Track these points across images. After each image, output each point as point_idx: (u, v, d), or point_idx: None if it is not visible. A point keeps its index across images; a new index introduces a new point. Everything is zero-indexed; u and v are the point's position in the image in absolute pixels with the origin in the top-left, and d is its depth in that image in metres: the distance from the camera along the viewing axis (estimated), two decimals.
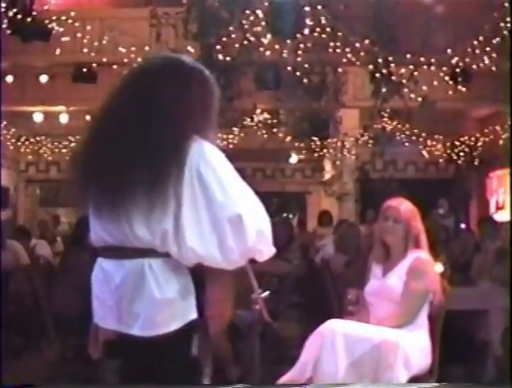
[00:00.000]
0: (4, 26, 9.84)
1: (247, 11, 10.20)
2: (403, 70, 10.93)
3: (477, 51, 10.61)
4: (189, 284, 2.73)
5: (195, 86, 2.81)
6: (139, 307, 2.67)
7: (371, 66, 10.85)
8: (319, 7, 10.23)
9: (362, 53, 10.70)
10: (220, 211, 2.61)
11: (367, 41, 10.52)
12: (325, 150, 14.99)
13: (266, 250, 2.74)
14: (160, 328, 2.66)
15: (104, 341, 2.84)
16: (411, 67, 10.89)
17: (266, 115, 14.00)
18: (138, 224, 2.66)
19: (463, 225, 14.08)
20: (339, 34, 10.47)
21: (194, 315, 2.72)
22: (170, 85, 2.76)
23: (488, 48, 10.54)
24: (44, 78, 11.85)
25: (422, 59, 10.74)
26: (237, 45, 10.38)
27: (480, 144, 15.22)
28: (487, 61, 10.62)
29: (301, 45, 10.51)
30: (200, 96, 2.81)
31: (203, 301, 2.75)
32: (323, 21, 10.32)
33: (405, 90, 11.03)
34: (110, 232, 2.74)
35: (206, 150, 2.70)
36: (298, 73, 10.97)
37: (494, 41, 10.39)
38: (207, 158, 2.68)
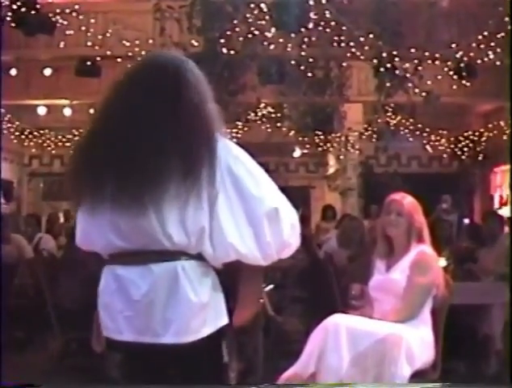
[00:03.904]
0: (8, 19, 9.83)
1: (251, 5, 10.18)
2: (407, 65, 10.89)
3: (482, 46, 10.57)
4: (218, 286, 2.64)
5: (206, 83, 2.79)
6: (171, 313, 2.53)
7: (375, 61, 10.83)
8: (323, 1, 10.20)
9: (366, 48, 10.67)
10: (257, 206, 2.56)
11: (371, 36, 10.48)
12: (328, 145, 15.01)
13: (295, 243, 2.69)
14: (194, 334, 2.55)
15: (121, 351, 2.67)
16: (415, 62, 10.86)
17: (270, 109, 14.00)
18: (172, 223, 2.52)
19: (466, 220, 14.06)
20: (343, 28, 10.43)
21: (225, 320, 2.63)
22: (193, 82, 2.71)
23: (492, 43, 10.51)
24: (47, 72, 11.85)
25: (427, 54, 10.71)
26: (241, 39, 10.35)
27: (484, 139, 15.23)
28: (491, 56, 10.59)
29: (305, 39, 10.49)
30: (211, 92, 2.78)
31: (231, 305, 2.66)
32: (327, 15, 10.29)
33: (409, 84, 10.99)
34: (128, 236, 2.57)
35: (231, 147, 2.67)
36: (302, 68, 10.95)
37: (499, 36, 10.36)
38: (235, 154, 2.65)
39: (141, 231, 2.54)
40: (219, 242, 2.55)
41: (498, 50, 10.49)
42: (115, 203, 2.55)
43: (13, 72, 11.43)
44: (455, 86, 11.26)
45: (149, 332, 2.56)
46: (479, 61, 10.80)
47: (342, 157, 13.75)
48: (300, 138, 15.20)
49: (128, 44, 10.80)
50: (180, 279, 2.54)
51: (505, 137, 13.67)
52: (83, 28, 10.95)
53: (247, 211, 2.57)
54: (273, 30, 10.31)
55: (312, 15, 10.26)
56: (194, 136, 2.58)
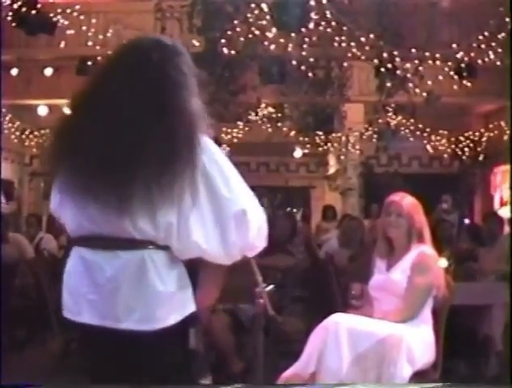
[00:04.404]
0: (9, 18, 9.83)
1: (252, 5, 10.18)
2: (408, 65, 10.90)
3: (483, 46, 10.57)
4: (186, 277, 2.69)
5: (192, 75, 2.74)
6: (136, 300, 2.58)
7: (376, 61, 10.83)
8: (324, 1, 10.20)
9: (367, 48, 10.67)
10: (225, 206, 2.60)
11: (372, 36, 10.49)
12: (329, 145, 15.00)
13: (261, 245, 2.73)
14: (158, 322, 2.59)
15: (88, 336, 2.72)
16: (416, 62, 10.87)
17: (270, 109, 14.00)
18: (141, 216, 2.55)
19: (467, 221, 14.06)
20: (344, 28, 10.44)
21: (192, 308, 2.68)
22: (180, 74, 2.68)
23: (493, 43, 10.51)
24: (48, 71, 11.86)
25: (427, 54, 10.71)
26: (241, 39, 10.36)
27: (484, 139, 15.22)
28: (492, 56, 10.59)
29: (306, 39, 10.49)
30: (193, 82, 2.72)
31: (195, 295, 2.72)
32: (328, 15, 10.29)
33: (410, 84, 11.01)
34: (99, 222, 2.60)
35: (208, 145, 2.66)
36: (303, 68, 10.96)
37: (500, 36, 10.36)
38: (211, 154, 2.65)
39: (111, 219, 2.57)
40: (184, 239, 2.59)
41: (499, 50, 10.49)
42: (87, 190, 2.58)
43: (14, 71, 11.44)
44: (455, 87, 11.25)
45: (111, 317, 2.59)
46: (479, 62, 10.79)
47: (342, 157, 13.75)
48: (301, 138, 15.20)
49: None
50: (147, 267, 2.58)
51: (505, 138, 13.66)
52: (84, 28, 10.95)
53: (215, 210, 2.60)
54: (274, 30, 10.32)
55: (312, 15, 10.26)
56: (174, 132, 2.58)
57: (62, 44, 10.86)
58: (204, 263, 2.68)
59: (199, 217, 2.59)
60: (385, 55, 10.68)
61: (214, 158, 2.65)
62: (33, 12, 9.91)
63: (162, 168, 2.53)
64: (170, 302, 2.61)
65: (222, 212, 2.60)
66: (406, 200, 4.51)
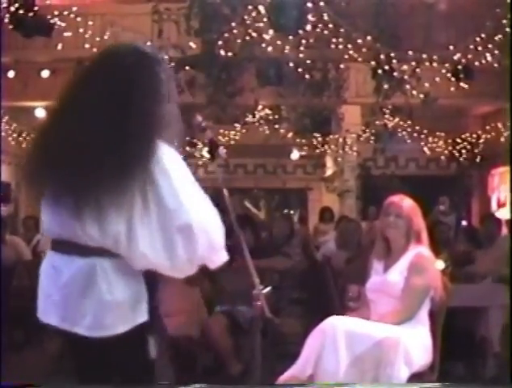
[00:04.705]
0: (6, 21, 9.82)
1: (249, 7, 10.19)
2: (405, 67, 10.90)
3: (479, 48, 10.58)
4: (141, 286, 2.67)
5: (162, 79, 2.72)
6: (86, 307, 2.60)
7: (373, 63, 10.83)
8: (321, 3, 10.21)
9: (364, 50, 10.68)
10: (170, 219, 2.56)
11: (369, 37, 10.50)
12: (326, 147, 14.98)
13: (216, 259, 2.71)
14: (106, 330, 2.60)
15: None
16: (413, 64, 10.87)
17: (267, 111, 13.98)
18: (90, 224, 2.58)
19: (464, 223, 14.07)
20: (341, 30, 10.44)
21: (143, 318, 2.66)
22: (145, 80, 2.67)
23: (490, 45, 10.51)
24: (45, 74, 11.84)
25: (424, 56, 10.72)
26: (238, 41, 10.36)
27: (481, 141, 15.20)
28: (489, 58, 10.59)
29: (303, 41, 10.49)
30: (166, 90, 2.73)
31: (157, 304, 2.72)
32: (325, 17, 10.30)
33: (407, 86, 11.01)
34: (63, 225, 2.66)
35: (162, 155, 2.62)
36: (300, 70, 10.95)
37: (496, 38, 10.37)
38: (162, 164, 2.60)
39: (70, 224, 2.62)
40: (133, 250, 2.58)
41: (496, 52, 10.50)
42: (54, 195, 2.65)
43: (11, 74, 11.43)
44: (452, 88, 11.25)
45: (68, 320, 2.64)
46: (476, 63, 10.79)
47: (339, 159, 13.73)
48: (298, 140, 15.18)
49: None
50: (97, 275, 2.60)
51: (502, 139, 13.67)
52: (81, 30, 10.94)
53: (162, 223, 2.57)
54: (271, 32, 10.33)
55: (309, 17, 10.27)
56: (129, 139, 2.57)
57: (59, 47, 10.84)
58: (161, 275, 2.68)
59: (148, 229, 2.57)
60: (382, 57, 10.68)
61: (165, 168, 2.60)
62: (30, 14, 9.91)
63: (112, 175, 2.54)
64: (118, 311, 2.61)
65: (168, 225, 2.56)
66: (406, 202, 4.52)
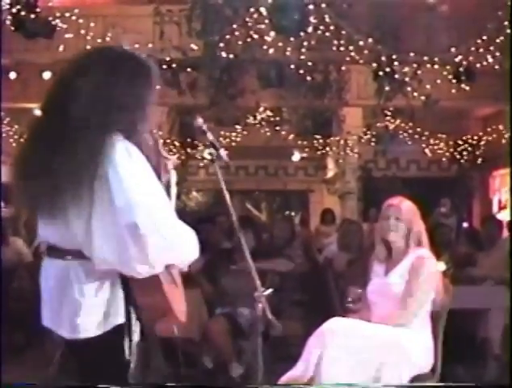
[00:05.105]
0: (8, 22, 9.83)
1: (251, 9, 10.19)
2: (406, 69, 10.91)
3: (481, 50, 10.58)
4: (116, 288, 2.65)
5: (120, 75, 2.70)
6: (65, 309, 2.63)
7: (374, 65, 10.84)
8: (323, 5, 10.22)
9: (365, 52, 10.68)
10: (119, 217, 2.51)
11: (370, 40, 10.50)
12: (327, 148, 15.00)
13: (178, 257, 2.69)
14: (83, 332, 2.62)
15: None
16: (414, 66, 10.88)
17: (269, 113, 14.00)
18: (59, 226, 2.62)
19: (465, 224, 14.06)
20: (343, 32, 10.45)
21: (121, 320, 2.65)
22: (91, 75, 2.66)
23: (491, 47, 10.52)
24: (47, 75, 11.82)
25: (426, 58, 10.72)
26: (240, 43, 10.36)
27: (483, 143, 15.20)
28: (490, 60, 10.59)
29: (305, 43, 10.49)
30: (128, 87, 2.69)
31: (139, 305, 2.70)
32: (327, 19, 10.30)
33: (409, 88, 11.02)
34: (48, 231, 2.71)
35: (116, 152, 2.57)
36: (301, 71, 10.96)
37: (498, 40, 10.37)
38: (115, 161, 2.55)
39: (51, 229, 2.68)
40: (91, 251, 2.57)
41: (497, 54, 10.50)
42: (35, 199, 2.66)
43: (12, 75, 11.43)
44: (454, 90, 11.25)
45: (56, 322, 2.69)
46: (478, 65, 10.80)
47: (340, 160, 13.73)
48: (299, 142, 15.21)
49: (127, 47, 10.78)
50: (70, 277, 2.62)
51: (503, 141, 13.67)
52: (83, 32, 10.95)
53: (113, 222, 2.53)
54: (272, 34, 10.33)
55: (311, 19, 10.27)
56: (82, 139, 2.56)
57: (61, 48, 10.84)
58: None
59: (103, 228, 2.54)
60: (383, 59, 10.69)
61: (117, 165, 2.55)
62: (32, 16, 9.92)
63: (67, 174, 2.54)
64: (91, 313, 2.61)
65: (117, 224, 2.51)
66: (405, 204, 4.51)
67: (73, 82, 2.66)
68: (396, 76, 10.86)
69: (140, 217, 2.49)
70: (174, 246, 2.61)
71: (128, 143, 2.63)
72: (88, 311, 2.61)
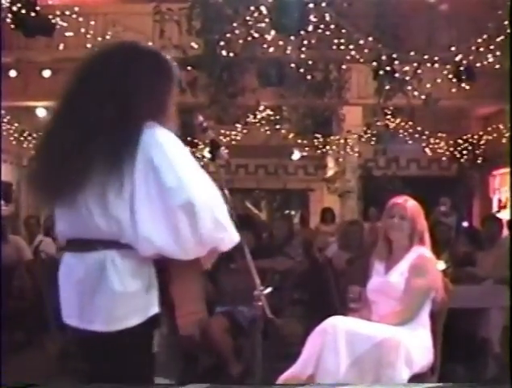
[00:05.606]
0: (8, 20, 9.83)
1: (251, 8, 10.19)
2: (407, 68, 10.90)
3: (481, 49, 10.58)
4: (152, 277, 2.64)
5: (150, 69, 2.73)
6: (100, 302, 2.58)
7: (374, 63, 10.83)
8: (323, 4, 10.21)
9: (365, 50, 10.68)
10: (171, 198, 2.50)
11: (370, 38, 10.49)
12: (327, 147, 15.00)
13: (226, 238, 2.64)
14: (120, 323, 2.58)
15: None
16: (415, 65, 10.87)
17: (269, 111, 14.00)
18: (96, 214, 2.57)
19: (465, 224, 14.06)
20: (343, 31, 10.44)
21: (155, 310, 2.64)
22: (122, 68, 2.69)
23: (492, 46, 10.51)
24: (47, 73, 11.84)
25: (426, 57, 10.71)
26: (240, 41, 10.36)
27: (483, 142, 15.21)
28: (491, 59, 10.59)
29: (305, 42, 10.49)
30: (155, 80, 2.72)
31: (168, 297, 2.68)
32: (327, 18, 10.30)
33: (409, 87, 11.01)
34: (71, 224, 2.67)
35: (158, 134, 2.60)
36: (301, 70, 10.96)
37: (498, 39, 10.36)
38: (159, 142, 2.57)
39: (75, 221, 2.63)
40: (137, 235, 2.55)
41: (498, 53, 10.49)
42: (59, 194, 2.64)
43: (12, 73, 11.43)
44: (454, 89, 11.25)
45: (85, 319, 2.62)
46: (478, 64, 10.79)
47: (341, 159, 13.75)
48: (299, 141, 15.20)
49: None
50: (107, 268, 2.58)
51: (504, 140, 13.67)
52: (83, 30, 10.95)
53: (163, 203, 2.52)
54: (272, 32, 10.33)
55: (311, 18, 10.27)
56: (116, 126, 2.57)
57: (61, 46, 10.85)
58: (172, 263, 2.63)
59: (149, 211, 2.53)
60: (384, 58, 10.68)
61: (163, 147, 2.57)
62: (32, 14, 9.91)
63: (105, 160, 2.54)
64: (131, 303, 2.59)
65: (169, 204, 2.50)
66: (409, 203, 4.52)
67: (100, 72, 2.68)
68: (397, 75, 10.85)
69: (196, 196, 2.50)
70: (225, 225, 2.61)
71: (165, 129, 2.65)
72: (127, 302, 2.58)
